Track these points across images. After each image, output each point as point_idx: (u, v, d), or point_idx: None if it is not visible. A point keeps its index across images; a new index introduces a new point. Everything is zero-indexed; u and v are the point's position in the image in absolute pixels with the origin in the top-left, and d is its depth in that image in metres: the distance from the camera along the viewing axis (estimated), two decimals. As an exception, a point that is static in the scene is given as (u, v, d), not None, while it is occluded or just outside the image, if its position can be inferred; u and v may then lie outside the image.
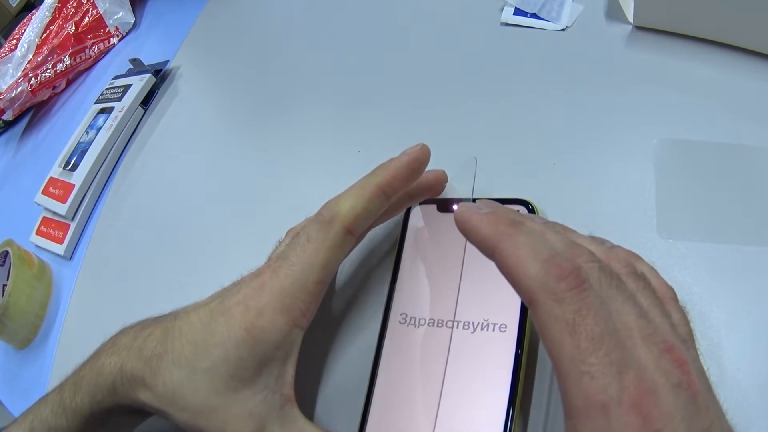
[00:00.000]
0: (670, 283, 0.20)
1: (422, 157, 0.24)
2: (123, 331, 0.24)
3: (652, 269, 0.20)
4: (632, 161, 0.27)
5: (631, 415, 0.14)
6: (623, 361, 0.14)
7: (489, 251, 0.17)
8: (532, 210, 0.25)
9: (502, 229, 0.17)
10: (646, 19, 0.30)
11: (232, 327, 0.20)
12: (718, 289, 0.22)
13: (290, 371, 0.22)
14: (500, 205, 0.20)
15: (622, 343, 0.14)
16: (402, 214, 0.27)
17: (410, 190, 0.26)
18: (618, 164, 0.27)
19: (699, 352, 0.18)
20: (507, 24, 0.35)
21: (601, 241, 0.21)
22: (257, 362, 0.20)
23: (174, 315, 0.23)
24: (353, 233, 0.22)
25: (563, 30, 0.33)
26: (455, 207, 0.20)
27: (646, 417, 0.14)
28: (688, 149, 0.26)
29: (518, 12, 0.34)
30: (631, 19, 0.31)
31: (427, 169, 0.25)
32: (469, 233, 0.18)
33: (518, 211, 0.23)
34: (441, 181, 0.26)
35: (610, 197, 0.26)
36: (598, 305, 0.15)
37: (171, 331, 0.22)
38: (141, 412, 0.23)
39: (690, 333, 0.18)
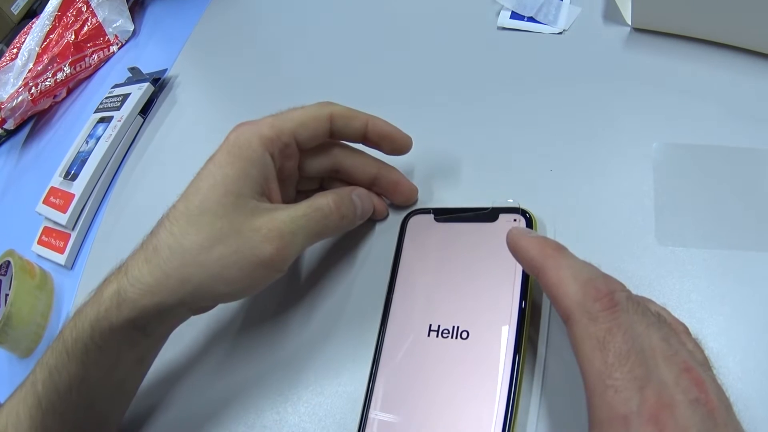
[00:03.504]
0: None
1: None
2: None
3: (664, 308, 0.21)
4: (631, 166, 0.26)
5: (649, 426, 0.15)
6: (645, 377, 0.15)
7: (535, 270, 0.19)
8: (529, 219, 0.25)
9: (548, 252, 0.19)
10: (645, 21, 0.30)
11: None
12: (719, 296, 0.22)
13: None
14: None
15: (646, 362, 0.16)
16: (399, 223, 0.27)
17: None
18: (616, 170, 0.26)
19: (716, 375, 0.18)
20: (503, 28, 0.34)
21: None
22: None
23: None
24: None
25: (560, 33, 0.33)
26: (511, 230, 0.21)
27: (663, 429, 0.15)
28: (687, 153, 0.26)
29: (515, 16, 0.34)
30: (629, 21, 0.31)
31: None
32: (518, 253, 0.20)
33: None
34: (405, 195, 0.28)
35: (608, 204, 0.26)
36: (627, 326, 0.16)
37: (162, 219, 0.24)
38: (143, 329, 0.23)
39: (706, 360, 0.19)
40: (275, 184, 0.25)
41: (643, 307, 0.18)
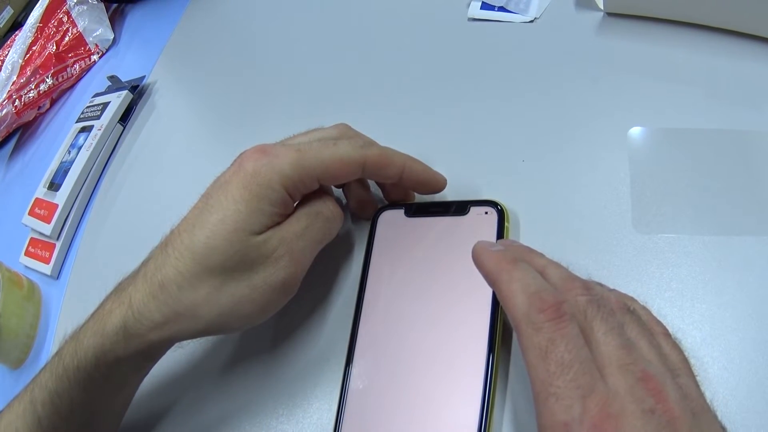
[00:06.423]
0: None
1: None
2: (108, 298, 0.24)
3: (644, 308, 0.21)
4: (606, 153, 0.26)
5: None
6: (590, 386, 0.15)
7: (491, 284, 0.20)
8: (501, 211, 0.24)
9: (502, 266, 0.19)
10: (618, 5, 0.30)
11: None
12: (701, 283, 0.21)
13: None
14: (516, 242, 0.23)
15: (595, 371, 0.16)
16: (369, 219, 0.27)
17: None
18: (591, 158, 0.26)
19: (698, 381, 0.18)
20: (474, 19, 0.34)
21: (599, 284, 0.22)
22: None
23: (163, 244, 0.24)
24: None
25: (532, 22, 0.32)
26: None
27: None
28: (664, 137, 0.25)
29: (485, 6, 0.33)
30: (601, 6, 0.30)
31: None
32: (479, 267, 0.21)
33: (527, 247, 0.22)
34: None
35: (583, 192, 0.25)
36: (573, 335, 0.16)
37: (165, 248, 0.23)
38: (148, 357, 0.23)
39: (683, 362, 0.18)
40: (288, 211, 0.23)
41: (606, 311, 0.18)
